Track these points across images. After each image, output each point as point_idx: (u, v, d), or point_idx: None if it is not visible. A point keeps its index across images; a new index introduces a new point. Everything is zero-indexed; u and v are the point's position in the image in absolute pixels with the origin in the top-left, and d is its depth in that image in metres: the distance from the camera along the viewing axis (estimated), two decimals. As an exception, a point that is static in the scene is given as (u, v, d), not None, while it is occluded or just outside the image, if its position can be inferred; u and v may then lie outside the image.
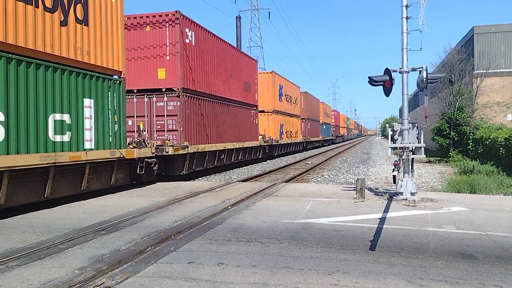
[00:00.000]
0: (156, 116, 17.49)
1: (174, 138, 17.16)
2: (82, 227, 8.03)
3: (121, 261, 5.89)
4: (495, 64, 30.80)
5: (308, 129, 49.17)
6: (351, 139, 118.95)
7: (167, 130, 17.31)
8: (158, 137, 17.15)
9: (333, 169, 24.76)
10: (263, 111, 32.05)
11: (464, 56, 30.44)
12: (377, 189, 13.56)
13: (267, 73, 34.03)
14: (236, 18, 47.71)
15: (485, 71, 29.84)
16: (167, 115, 17.35)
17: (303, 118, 46.58)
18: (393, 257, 6.09)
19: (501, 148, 21.04)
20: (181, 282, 5.11)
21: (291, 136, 39.82)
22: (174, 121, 17.25)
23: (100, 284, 5.06)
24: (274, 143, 32.86)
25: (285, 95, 37.63)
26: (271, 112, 33.18)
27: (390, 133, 11.52)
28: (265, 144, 30.08)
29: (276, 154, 34.60)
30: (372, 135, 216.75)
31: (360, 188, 11.36)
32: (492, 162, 21.14)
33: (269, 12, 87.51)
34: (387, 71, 11.28)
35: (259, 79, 30.77)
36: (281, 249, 6.51)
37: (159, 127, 17.47)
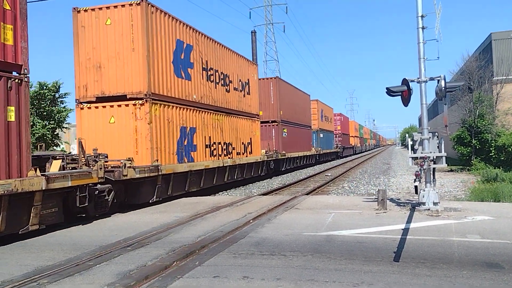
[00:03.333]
0: None
1: None
2: (108, 244, 8.21)
3: (148, 276, 6.03)
4: (514, 69, 30.37)
5: (284, 139, 30.42)
6: (366, 151, 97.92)
7: None
8: None
9: (353, 180, 24.63)
10: (123, 98, 13.97)
11: (483, 63, 30.13)
12: (399, 199, 13.46)
13: (126, 4, 13.96)
14: (252, 32, 48.19)
15: (504, 77, 29.46)
16: None
17: (273, 121, 29.36)
18: (417, 267, 6.07)
19: (525, 155, 20.67)
20: (207, 296, 5.21)
21: (231, 153, 20.51)
22: None
23: (129, 299, 5.19)
24: (148, 175, 13.40)
25: (208, 71, 18.37)
26: (142, 99, 13.86)
27: (410, 143, 11.47)
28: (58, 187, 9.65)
29: (152, 201, 13.85)
30: (391, 145, 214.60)
31: (381, 199, 11.31)
32: (516, 169, 20.77)
33: (283, 26, 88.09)
34: (405, 81, 11.30)
35: (106, 17, 14.14)
36: (304, 261, 6.55)
37: None
